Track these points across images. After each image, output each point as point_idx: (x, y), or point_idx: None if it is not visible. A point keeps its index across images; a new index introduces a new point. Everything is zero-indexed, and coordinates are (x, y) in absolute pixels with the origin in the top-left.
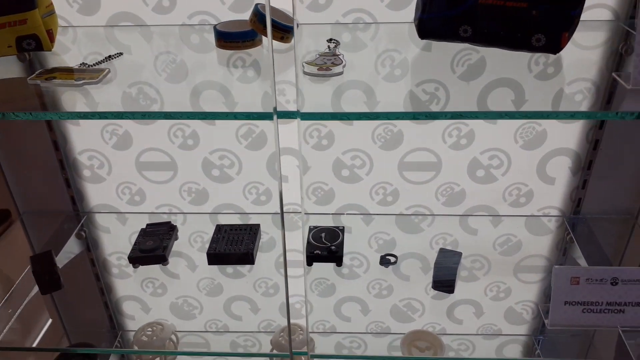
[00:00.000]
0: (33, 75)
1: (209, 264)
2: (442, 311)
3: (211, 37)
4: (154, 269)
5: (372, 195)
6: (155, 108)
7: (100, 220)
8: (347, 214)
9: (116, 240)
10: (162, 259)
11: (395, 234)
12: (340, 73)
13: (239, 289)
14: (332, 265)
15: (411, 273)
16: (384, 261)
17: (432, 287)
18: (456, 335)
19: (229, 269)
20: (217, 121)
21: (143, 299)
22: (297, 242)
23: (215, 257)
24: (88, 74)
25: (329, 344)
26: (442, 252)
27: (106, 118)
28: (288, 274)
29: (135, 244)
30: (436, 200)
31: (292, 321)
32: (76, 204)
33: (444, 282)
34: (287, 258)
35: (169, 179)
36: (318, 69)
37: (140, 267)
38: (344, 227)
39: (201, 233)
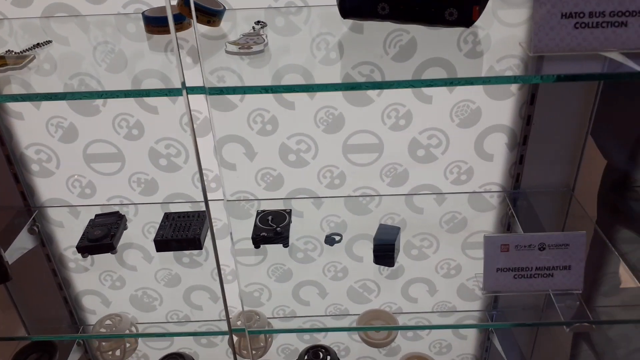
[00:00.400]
0: None
1: (157, 251)
2: (397, 290)
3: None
4: (111, 262)
5: (319, 179)
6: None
7: (52, 214)
8: (297, 198)
9: (70, 234)
10: (110, 248)
11: (345, 216)
12: (261, 51)
13: (197, 278)
14: (287, 250)
15: (364, 254)
16: (329, 240)
17: (374, 261)
18: (413, 313)
19: (185, 258)
20: (160, 110)
21: (102, 292)
22: (249, 230)
23: (163, 243)
24: (12, 59)
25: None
26: (381, 227)
27: (30, 100)
28: (243, 261)
29: (83, 234)
30: (381, 181)
31: (250, 309)
32: (27, 199)
33: (383, 256)
34: (241, 246)
35: (117, 170)
36: (239, 48)
37: (97, 260)
38: (290, 209)
39: (154, 224)
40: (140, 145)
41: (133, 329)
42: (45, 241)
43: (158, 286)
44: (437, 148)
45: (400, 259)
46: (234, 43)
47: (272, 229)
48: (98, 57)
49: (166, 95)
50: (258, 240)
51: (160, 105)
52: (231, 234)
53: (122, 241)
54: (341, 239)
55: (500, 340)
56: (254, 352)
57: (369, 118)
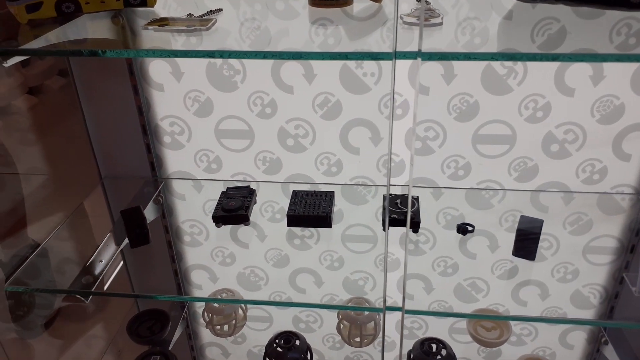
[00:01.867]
0: (145, 23)
1: (288, 225)
2: (507, 292)
3: None
4: (225, 238)
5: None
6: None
7: (177, 187)
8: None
9: (191, 207)
10: (244, 219)
11: (464, 209)
12: (440, 24)
13: (306, 261)
14: (397, 239)
15: (478, 251)
16: (462, 230)
17: (513, 253)
18: (518, 316)
19: (297, 240)
20: (295, 90)
21: (212, 268)
22: (364, 215)
23: (295, 218)
24: (197, 21)
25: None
26: (524, 218)
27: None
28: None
29: (217, 205)
30: (508, 175)
31: (356, 296)
32: (155, 169)
33: (525, 248)
34: (354, 232)
35: (245, 147)
36: (417, 19)
37: (212, 234)
38: (418, 196)
39: (272, 203)
40: (271, 124)
41: (243, 305)
42: (166, 213)
43: (267, 266)
44: (573, 144)
45: (516, 259)
46: (410, 15)
47: (402, 211)
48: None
49: (374, 59)
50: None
51: (297, 84)
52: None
53: None
54: (474, 229)
55: (615, 351)
56: (365, 340)
57: (504, 108)
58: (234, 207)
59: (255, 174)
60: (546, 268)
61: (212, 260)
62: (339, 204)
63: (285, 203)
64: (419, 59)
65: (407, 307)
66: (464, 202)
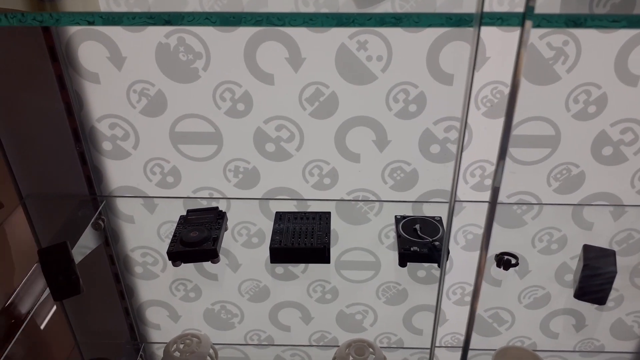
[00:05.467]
0: None
1: (272, 262)
2: (535, 323)
3: None
4: (187, 269)
5: (466, 178)
6: None
7: (122, 206)
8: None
9: (141, 231)
10: (211, 255)
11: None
12: None
13: (290, 293)
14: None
15: (503, 277)
16: (504, 262)
17: (575, 295)
18: (549, 352)
19: (279, 268)
20: (276, 79)
21: (171, 304)
22: (365, 237)
23: (282, 253)
24: None
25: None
26: (588, 249)
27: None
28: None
29: (174, 235)
30: (547, 186)
31: (355, 336)
32: (93, 186)
33: (595, 289)
34: (352, 258)
35: (211, 154)
36: None
37: (170, 266)
38: (440, 217)
39: (247, 224)
40: (245, 125)
41: (212, 351)
42: (110, 239)
43: (241, 300)
44: (630, 146)
45: (547, 283)
46: None
47: (424, 241)
48: None
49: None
50: (406, 256)
51: (279, 72)
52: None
53: None
54: (517, 262)
55: None
56: None
57: (548, 101)
58: (197, 239)
59: (224, 189)
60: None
61: (172, 295)
62: (334, 223)
63: (263, 223)
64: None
65: (412, 344)
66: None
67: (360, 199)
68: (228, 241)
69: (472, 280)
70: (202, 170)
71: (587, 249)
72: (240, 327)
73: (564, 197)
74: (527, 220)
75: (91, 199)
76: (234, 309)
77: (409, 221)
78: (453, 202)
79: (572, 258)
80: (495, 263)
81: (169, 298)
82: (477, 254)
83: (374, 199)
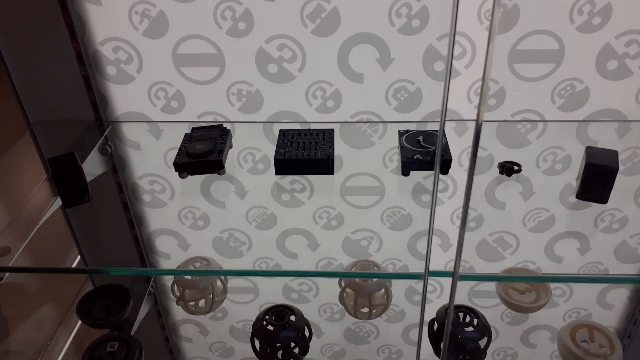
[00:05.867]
0: None
1: (276, 174)
2: (540, 247)
3: None
4: (195, 196)
5: (470, 97)
6: None
7: (128, 132)
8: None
9: (148, 158)
10: (217, 166)
11: (494, 147)
12: None
13: (297, 220)
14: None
15: (508, 199)
16: (506, 169)
17: (578, 195)
18: (552, 274)
19: (285, 195)
20: None
21: (181, 233)
22: (369, 162)
23: (285, 164)
24: None
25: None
26: (592, 150)
27: None
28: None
29: (180, 149)
30: (551, 103)
31: (362, 260)
32: (99, 111)
33: (596, 187)
34: (356, 183)
35: (214, 77)
36: None
37: (177, 192)
38: (443, 131)
39: (252, 150)
40: (246, 45)
41: (222, 276)
42: (117, 166)
43: (248, 228)
44: (636, 59)
45: (551, 206)
46: None
47: (426, 150)
48: None
49: None
50: (410, 163)
51: None
52: None
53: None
54: (520, 169)
55: None
56: (374, 310)
57: (552, 13)
58: (203, 151)
59: (228, 113)
60: (588, 217)
61: (181, 223)
62: (337, 148)
63: (268, 149)
64: None
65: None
66: (494, 138)
67: (364, 121)
68: (233, 167)
69: (477, 205)
70: (206, 94)
71: (589, 149)
72: (249, 255)
73: (569, 114)
74: (532, 139)
75: (97, 124)
76: (242, 236)
77: (412, 134)
78: (443, 121)
79: (576, 178)
80: (498, 171)
81: (177, 227)
82: (483, 177)
83: (378, 120)
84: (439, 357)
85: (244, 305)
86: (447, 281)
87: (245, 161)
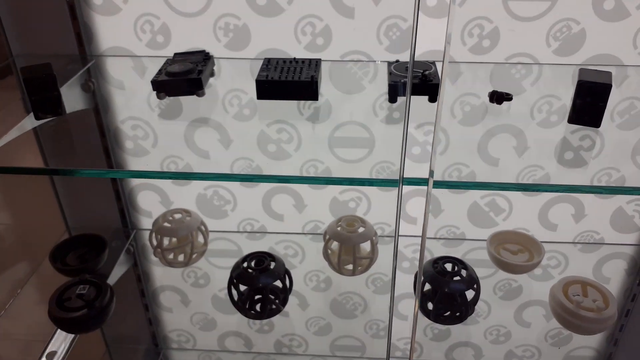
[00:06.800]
0: None
1: (258, 98)
2: (533, 212)
3: None
4: (178, 143)
5: (464, 38)
6: None
7: (112, 69)
8: None
9: (132, 98)
10: (196, 85)
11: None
12: None
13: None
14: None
15: (501, 154)
16: (497, 96)
17: (570, 120)
18: (547, 242)
19: (271, 145)
20: None
21: (162, 187)
22: (358, 110)
23: (268, 86)
24: None
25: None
26: (585, 72)
27: None
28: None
29: (160, 70)
30: (546, 46)
31: (348, 214)
32: (83, 44)
33: (589, 110)
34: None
35: (200, 9)
36: None
37: (161, 140)
38: (434, 61)
39: (238, 92)
40: None
41: (202, 227)
42: (100, 107)
43: (233, 185)
44: None
45: (545, 162)
46: None
47: (416, 74)
48: None
49: None
50: (398, 87)
51: None
52: None
53: (199, 104)
54: (512, 97)
55: None
56: (359, 266)
57: None
58: (182, 70)
59: (215, 49)
60: (585, 175)
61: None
62: (325, 92)
63: (254, 92)
64: None
65: (408, 232)
66: (488, 82)
67: (355, 60)
68: (218, 112)
69: (469, 161)
70: (192, 27)
71: (583, 70)
72: (233, 215)
73: (565, 59)
74: (526, 86)
75: (81, 57)
76: (226, 194)
77: (401, 63)
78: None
79: (572, 132)
80: (489, 99)
81: (160, 181)
82: (473, 129)
83: (367, 59)
84: (427, 317)
85: (226, 271)
86: (434, 246)
87: (231, 105)
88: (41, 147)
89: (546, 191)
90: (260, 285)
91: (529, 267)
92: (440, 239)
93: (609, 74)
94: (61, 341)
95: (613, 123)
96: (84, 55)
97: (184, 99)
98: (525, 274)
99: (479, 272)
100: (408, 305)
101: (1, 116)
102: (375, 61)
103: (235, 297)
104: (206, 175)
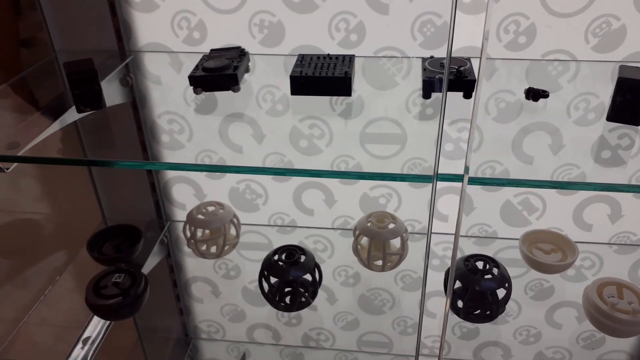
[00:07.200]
0: None
1: (292, 94)
2: (568, 212)
3: None
4: (213, 138)
5: (499, 35)
6: None
7: (149, 64)
8: None
9: (168, 93)
10: (232, 81)
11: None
12: None
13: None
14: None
15: (536, 151)
16: (533, 93)
17: (608, 117)
18: (581, 243)
19: (303, 141)
20: None
21: (197, 180)
22: (391, 106)
23: (301, 82)
24: None
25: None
26: (624, 67)
27: None
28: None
29: (197, 66)
30: (585, 43)
31: (378, 210)
32: (122, 41)
33: (630, 107)
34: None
35: (236, 5)
36: None
37: (196, 134)
38: (469, 57)
39: (271, 88)
40: None
41: (235, 220)
42: (137, 101)
43: (265, 179)
44: None
45: (582, 161)
46: None
47: (452, 72)
48: None
49: None
50: (433, 83)
51: None
52: None
53: (234, 100)
54: (548, 94)
55: None
56: (388, 262)
57: None
58: (218, 66)
59: (250, 45)
60: (623, 174)
61: (198, 170)
62: (358, 88)
63: (288, 88)
64: None
65: (439, 230)
66: (524, 80)
67: (389, 56)
68: (252, 108)
69: (503, 159)
70: (228, 24)
71: (623, 67)
72: (265, 209)
73: (603, 55)
74: (563, 83)
75: (120, 53)
76: (258, 188)
77: (435, 59)
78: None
79: (610, 130)
80: (524, 97)
81: (194, 174)
82: (508, 126)
83: (401, 56)
84: (457, 314)
85: (257, 264)
86: (466, 244)
87: (265, 101)
88: (81, 141)
89: (581, 189)
90: (290, 277)
91: (562, 267)
92: (472, 237)
93: None
94: (96, 328)
95: None
96: (122, 51)
97: (219, 94)
98: (558, 274)
99: (511, 272)
100: (437, 303)
101: (44, 110)
102: (409, 57)
103: (266, 289)
104: (239, 168)
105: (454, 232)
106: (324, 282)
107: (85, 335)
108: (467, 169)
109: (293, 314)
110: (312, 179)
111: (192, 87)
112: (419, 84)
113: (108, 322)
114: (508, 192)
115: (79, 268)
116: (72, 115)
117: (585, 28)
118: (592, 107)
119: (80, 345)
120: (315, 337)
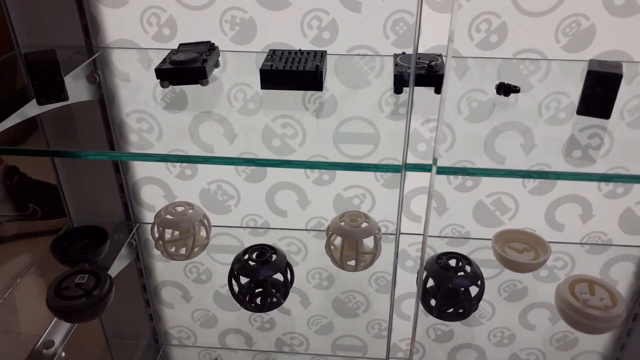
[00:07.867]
0: None
1: (262, 88)
2: (540, 212)
3: None
4: (183, 138)
5: (471, 33)
6: None
7: (118, 61)
8: None
9: (136, 92)
10: (200, 74)
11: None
12: None
13: (285, 173)
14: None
15: (507, 152)
16: (504, 88)
17: (578, 111)
18: (553, 243)
19: (276, 140)
20: None
21: (166, 181)
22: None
23: (272, 75)
24: None
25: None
26: (595, 63)
27: None
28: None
29: (164, 59)
30: (555, 42)
31: (351, 210)
32: (90, 37)
33: (599, 102)
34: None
35: (206, 2)
36: None
37: (165, 133)
38: (441, 54)
39: (243, 86)
40: None
41: (205, 221)
42: (105, 98)
43: (237, 180)
44: None
45: (553, 161)
46: None
47: (421, 65)
48: None
49: None
50: (400, 78)
51: None
52: None
53: (204, 97)
54: (519, 90)
55: None
56: (361, 262)
57: None
58: (186, 59)
59: (221, 42)
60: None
61: (168, 171)
62: (330, 87)
63: (259, 86)
64: None
65: (412, 230)
66: (495, 78)
67: (361, 54)
68: (223, 106)
69: (475, 159)
70: (198, 20)
71: (592, 61)
72: (237, 211)
73: (573, 55)
74: (534, 82)
75: (87, 49)
76: (230, 189)
77: (407, 55)
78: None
79: (581, 130)
80: (495, 92)
81: (164, 175)
82: (479, 125)
83: (373, 54)
84: (430, 313)
85: (227, 268)
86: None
87: (236, 99)
88: (45, 136)
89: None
90: (261, 277)
91: (534, 266)
92: (445, 237)
93: (619, 64)
94: (59, 331)
95: (623, 121)
96: (90, 47)
97: (190, 92)
98: (531, 275)
99: (484, 272)
100: (411, 305)
101: (4, 103)
102: (381, 55)
103: (236, 289)
104: (209, 158)
105: (427, 233)
106: (297, 285)
107: (47, 338)
108: (435, 160)
109: (266, 318)
110: (286, 180)
111: (159, 81)
112: (391, 82)
113: (70, 325)
114: (480, 192)
115: (42, 270)
116: (33, 108)
117: (555, 27)
118: (563, 106)
119: (41, 351)
120: (288, 341)
